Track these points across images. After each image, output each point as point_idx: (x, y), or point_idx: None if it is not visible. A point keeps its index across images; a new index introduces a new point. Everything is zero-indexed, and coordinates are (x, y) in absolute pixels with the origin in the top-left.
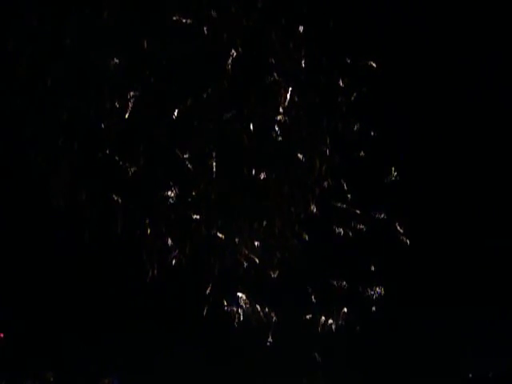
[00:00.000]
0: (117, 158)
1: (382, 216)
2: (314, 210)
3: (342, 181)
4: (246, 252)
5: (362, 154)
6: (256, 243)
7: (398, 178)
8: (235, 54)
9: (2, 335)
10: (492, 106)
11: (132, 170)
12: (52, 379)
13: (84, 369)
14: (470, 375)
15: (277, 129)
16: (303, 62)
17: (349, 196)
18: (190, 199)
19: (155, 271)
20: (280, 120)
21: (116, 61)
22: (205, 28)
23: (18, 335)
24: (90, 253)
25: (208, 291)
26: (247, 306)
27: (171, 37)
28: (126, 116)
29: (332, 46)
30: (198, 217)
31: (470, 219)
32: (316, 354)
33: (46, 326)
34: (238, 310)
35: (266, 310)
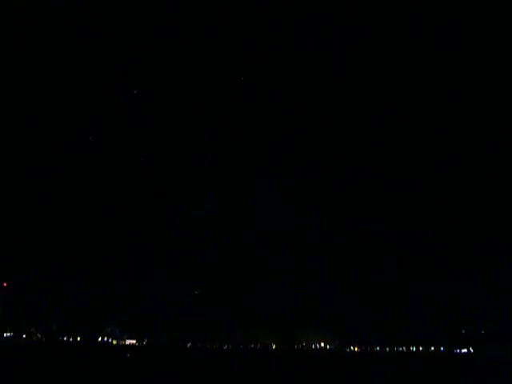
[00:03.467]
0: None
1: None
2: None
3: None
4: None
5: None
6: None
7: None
8: None
9: (4, 284)
10: None
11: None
12: (55, 327)
13: (86, 318)
14: (463, 331)
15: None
16: None
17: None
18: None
19: (108, 238)
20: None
21: None
22: None
23: (21, 285)
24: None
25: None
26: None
27: None
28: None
29: None
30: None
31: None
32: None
33: (49, 277)
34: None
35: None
